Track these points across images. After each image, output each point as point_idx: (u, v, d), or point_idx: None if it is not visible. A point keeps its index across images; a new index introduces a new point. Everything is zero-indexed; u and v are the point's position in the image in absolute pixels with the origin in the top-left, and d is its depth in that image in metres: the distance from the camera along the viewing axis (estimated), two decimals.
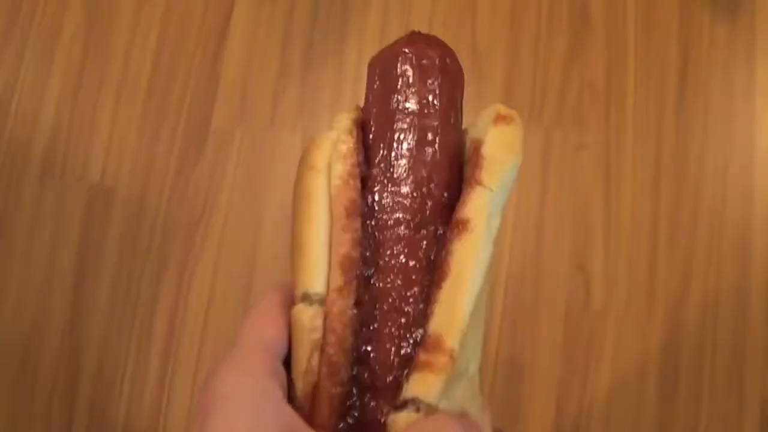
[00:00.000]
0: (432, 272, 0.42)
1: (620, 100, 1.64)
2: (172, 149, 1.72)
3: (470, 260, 0.42)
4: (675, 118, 1.62)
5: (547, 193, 1.60)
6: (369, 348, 0.42)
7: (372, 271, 0.43)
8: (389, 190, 0.44)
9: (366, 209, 0.44)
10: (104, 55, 1.79)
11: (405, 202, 0.44)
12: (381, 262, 0.43)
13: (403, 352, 0.42)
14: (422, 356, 0.41)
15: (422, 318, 0.42)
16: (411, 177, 0.44)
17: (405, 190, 0.44)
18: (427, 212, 0.44)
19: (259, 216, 1.66)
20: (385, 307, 0.42)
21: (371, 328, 0.42)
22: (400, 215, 0.44)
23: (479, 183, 0.43)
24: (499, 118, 0.46)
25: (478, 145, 0.45)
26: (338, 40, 1.75)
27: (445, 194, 0.44)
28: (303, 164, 0.45)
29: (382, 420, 0.41)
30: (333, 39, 1.75)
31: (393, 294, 0.42)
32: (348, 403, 0.42)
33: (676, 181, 1.59)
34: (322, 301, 0.42)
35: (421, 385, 0.40)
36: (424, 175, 0.44)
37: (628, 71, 1.66)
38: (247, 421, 0.39)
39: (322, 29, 1.76)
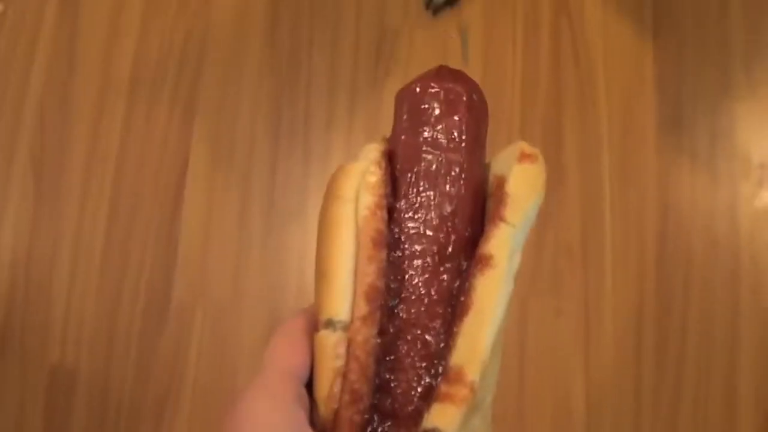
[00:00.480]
0: (454, 305, 0.43)
1: (597, 262, 1.57)
2: (133, 324, 1.65)
3: (492, 295, 0.43)
4: (655, 281, 1.56)
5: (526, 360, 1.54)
6: (391, 377, 0.43)
7: (396, 301, 0.44)
8: (415, 222, 0.45)
9: (392, 240, 0.44)
10: (55, 230, 1.69)
11: (430, 235, 0.45)
12: (405, 293, 0.44)
13: (424, 382, 0.43)
14: (443, 388, 0.42)
15: (444, 350, 0.43)
16: (436, 211, 0.45)
17: (431, 223, 0.45)
18: (451, 246, 0.44)
19: (228, 388, 1.60)
20: (408, 338, 0.43)
21: (394, 357, 0.43)
22: (426, 248, 0.44)
23: (503, 220, 0.44)
24: (524, 156, 0.47)
25: (501, 182, 0.46)
26: (300, 200, 1.66)
27: (469, 229, 0.45)
28: (330, 193, 0.45)
29: None
30: (294, 199, 1.66)
31: (416, 325, 0.43)
32: (369, 430, 0.43)
33: (657, 347, 1.53)
34: (346, 329, 0.42)
35: (441, 416, 0.41)
36: (449, 209, 0.45)
37: (605, 232, 1.58)
38: None
39: (282, 189, 1.67)
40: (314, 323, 0.44)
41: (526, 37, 1.69)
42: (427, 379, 0.43)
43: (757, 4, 1.67)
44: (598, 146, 1.61)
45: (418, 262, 0.44)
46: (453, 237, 0.45)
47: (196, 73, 1.73)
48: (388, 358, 0.43)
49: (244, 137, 1.70)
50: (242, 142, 1.69)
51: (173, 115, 1.72)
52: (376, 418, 0.43)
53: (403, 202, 0.46)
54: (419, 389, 0.43)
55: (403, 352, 0.43)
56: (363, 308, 0.43)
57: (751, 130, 1.61)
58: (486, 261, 0.43)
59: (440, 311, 0.44)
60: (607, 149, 1.61)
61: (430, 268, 0.44)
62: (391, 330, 0.44)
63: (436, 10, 1.71)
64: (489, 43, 1.69)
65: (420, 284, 0.44)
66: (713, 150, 1.60)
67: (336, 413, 0.42)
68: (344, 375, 0.42)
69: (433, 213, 0.45)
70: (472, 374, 0.42)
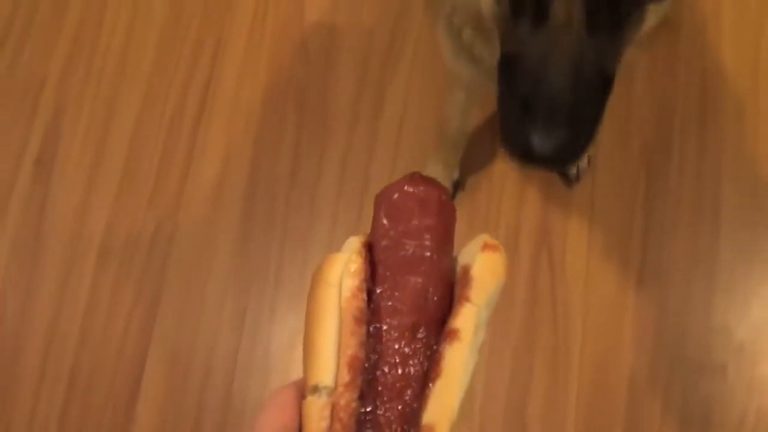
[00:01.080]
0: (426, 372, 0.50)
1: None
2: None
3: (459, 364, 0.49)
4: None
5: None
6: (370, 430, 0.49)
7: (375, 369, 0.50)
8: (392, 302, 0.51)
9: (371, 318, 0.51)
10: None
11: (405, 313, 0.51)
12: (382, 363, 0.50)
13: None
14: None
15: (417, 410, 0.49)
16: (410, 293, 0.52)
17: (405, 304, 0.51)
18: (423, 323, 0.51)
19: None
20: (385, 399, 0.49)
21: (372, 418, 0.49)
22: (400, 323, 0.51)
23: (468, 300, 0.51)
24: (486, 246, 0.54)
25: (467, 269, 0.52)
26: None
27: (438, 309, 0.52)
28: (317, 278, 0.52)
29: None
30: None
31: (392, 389, 0.49)
32: None
33: None
34: (330, 394, 0.48)
35: None
36: (421, 291, 0.52)
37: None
38: None
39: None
40: (302, 392, 0.50)
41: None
42: None
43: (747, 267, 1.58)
44: (565, 402, 1.55)
45: (394, 335, 0.50)
46: (424, 316, 0.51)
47: (161, 266, 1.68)
48: (367, 418, 0.49)
49: (206, 341, 1.65)
50: (203, 349, 1.65)
51: (139, 299, 1.68)
52: None
53: (380, 287, 0.52)
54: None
55: (381, 413, 0.49)
56: (346, 376, 0.49)
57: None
58: (454, 335, 0.50)
59: (413, 378, 0.50)
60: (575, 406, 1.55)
61: (404, 342, 0.50)
62: (370, 393, 0.49)
63: None
64: None
65: (396, 354, 0.50)
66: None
67: None
68: None
69: (407, 295, 0.52)
70: (442, 429, 0.48)
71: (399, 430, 0.49)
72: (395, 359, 0.50)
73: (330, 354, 0.50)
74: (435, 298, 0.52)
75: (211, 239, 1.68)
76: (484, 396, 1.57)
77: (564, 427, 1.56)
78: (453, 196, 1.65)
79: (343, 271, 0.52)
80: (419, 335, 0.51)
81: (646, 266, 1.61)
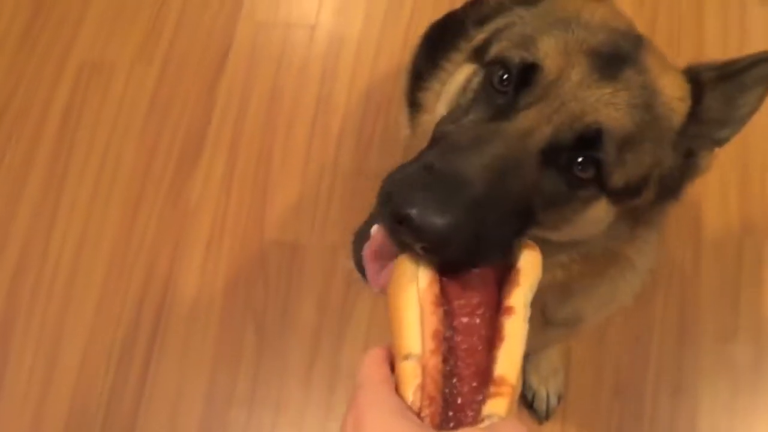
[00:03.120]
0: (490, 340, 0.64)
1: None
2: None
3: (517, 331, 0.64)
4: None
5: None
6: (454, 389, 0.63)
7: (452, 339, 0.64)
8: (459, 289, 0.67)
9: (443, 300, 0.66)
10: None
11: (470, 296, 0.67)
12: (457, 334, 0.65)
13: (476, 387, 0.63)
14: (492, 389, 0.61)
15: (489, 367, 0.63)
16: (473, 280, 0.68)
17: (469, 289, 0.67)
18: (484, 302, 0.66)
19: None
20: (463, 359, 0.64)
21: (456, 372, 0.63)
22: (467, 303, 0.66)
23: (518, 284, 0.67)
24: (527, 246, 0.71)
25: (514, 263, 0.69)
26: None
27: (494, 292, 0.68)
28: (397, 273, 0.67)
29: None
30: None
31: (467, 352, 0.64)
32: (442, 423, 0.61)
33: None
34: (419, 359, 0.62)
35: (495, 406, 0.60)
36: (481, 277, 0.68)
37: None
38: None
39: None
40: (391, 357, 0.64)
41: None
42: (480, 386, 0.62)
43: None
44: None
45: (464, 311, 0.66)
46: (485, 297, 0.67)
47: None
48: (452, 374, 0.63)
49: None
50: None
51: None
52: (448, 414, 0.61)
53: (450, 281, 0.68)
54: (475, 392, 0.62)
55: (461, 369, 0.63)
56: (431, 344, 0.63)
57: None
58: (510, 310, 0.65)
59: (482, 343, 0.64)
60: None
61: (472, 316, 0.66)
62: (451, 356, 0.63)
63: None
64: None
65: (467, 326, 0.65)
66: None
67: (417, 415, 0.60)
68: (422, 388, 0.61)
69: (470, 282, 0.68)
70: (513, 379, 0.62)
71: (476, 381, 0.63)
72: (467, 329, 0.65)
73: (416, 330, 0.64)
74: (491, 283, 0.68)
75: None
76: None
77: None
78: None
79: (420, 267, 0.67)
80: (482, 311, 0.66)
81: None
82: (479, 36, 0.88)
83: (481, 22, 0.91)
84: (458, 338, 0.65)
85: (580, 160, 0.75)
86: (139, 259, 1.75)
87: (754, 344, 1.67)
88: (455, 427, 0.61)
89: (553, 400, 1.59)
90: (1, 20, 1.97)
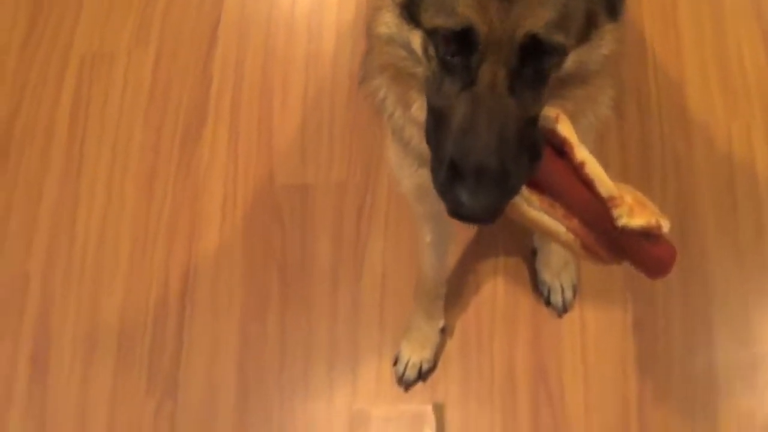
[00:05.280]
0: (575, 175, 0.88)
1: None
2: None
3: (597, 169, 0.87)
4: None
5: None
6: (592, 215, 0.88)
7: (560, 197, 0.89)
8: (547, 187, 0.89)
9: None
10: None
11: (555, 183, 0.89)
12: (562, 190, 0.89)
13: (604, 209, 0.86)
14: (610, 203, 0.86)
15: (591, 189, 0.87)
16: (551, 175, 0.89)
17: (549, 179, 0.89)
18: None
19: None
20: (572, 198, 0.89)
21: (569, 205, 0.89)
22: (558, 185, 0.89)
23: (571, 145, 0.87)
24: (554, 118, 0.89)
25: (556, 136, 0.89)
26: None
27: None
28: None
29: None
30: None
31: (569, 192, 0.88)
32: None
33: None
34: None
35: (624, 215, 0.85)
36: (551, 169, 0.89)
37: None
38: None
39: None
40: None
41: (503, 412, 1.62)
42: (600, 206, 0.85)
43: None
44: None
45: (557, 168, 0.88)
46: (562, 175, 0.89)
47: None
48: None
49: None
50: None
51: None
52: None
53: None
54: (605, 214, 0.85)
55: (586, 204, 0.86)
56: (566, 219, 0.90)
57: None
58: (581, 165, 0.86)
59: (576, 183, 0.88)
60: None
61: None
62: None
63: (407, 386, 1.64)
64: (465, 420, 1.62)
65: (555, 177, 0.89)
66: None
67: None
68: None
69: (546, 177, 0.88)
70: (616, 192, 0.85)
71: (590, 208, 0.86)
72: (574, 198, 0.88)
73: (551, 222, 0.90)
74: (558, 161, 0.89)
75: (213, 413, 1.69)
76: None
77: None
78: (441, 344, 1.66)
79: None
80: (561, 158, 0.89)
81: (645, 392, 1.61)
82: None
83: None
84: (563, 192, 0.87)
85: (540, 63, 0.86)
86: (160, 228, 1.85)
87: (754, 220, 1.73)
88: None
89: (568, 293, 1.66)
90: (4, 24, 2.08)
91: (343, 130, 1.85)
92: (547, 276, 1.65)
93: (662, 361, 1.64)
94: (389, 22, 0.96)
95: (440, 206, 1.36)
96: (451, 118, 0.87)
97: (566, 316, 1.67)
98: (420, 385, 1.66)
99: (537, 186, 0.89)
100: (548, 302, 1.67)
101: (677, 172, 1.78)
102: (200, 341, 1.74)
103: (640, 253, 0.89)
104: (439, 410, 1.63)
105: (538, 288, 1.68)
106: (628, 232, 0.86)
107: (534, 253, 1.69)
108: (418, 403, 1.64)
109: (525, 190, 0.88)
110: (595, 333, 1.67)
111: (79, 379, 1.75)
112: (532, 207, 0.89)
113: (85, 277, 1.82)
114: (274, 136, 1.88)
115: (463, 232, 1.74)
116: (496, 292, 1.71)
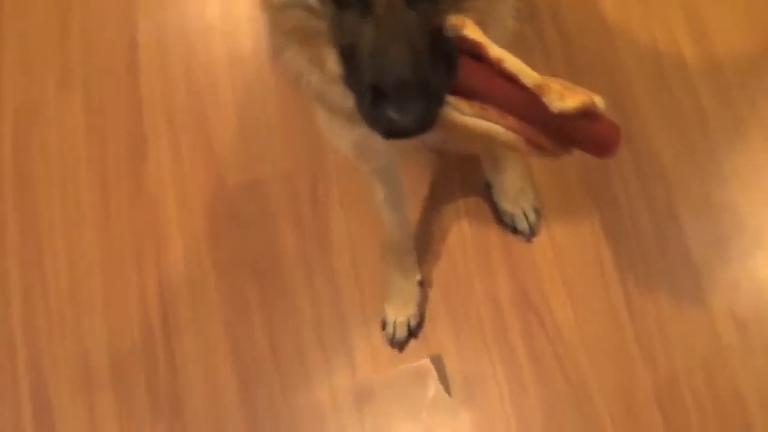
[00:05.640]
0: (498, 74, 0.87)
1: None
2: None
3: (515, 62, 0.87)
4: None
5: None
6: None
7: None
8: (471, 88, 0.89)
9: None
10: None
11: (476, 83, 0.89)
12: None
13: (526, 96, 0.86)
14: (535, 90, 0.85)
15: (516, 83, 0.86)
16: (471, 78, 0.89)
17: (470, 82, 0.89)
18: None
19: None
20: (499, 92, 0.88)
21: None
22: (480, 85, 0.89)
23: (482, 45, 0.87)
24: (459, 24, 0.89)
25: (466, 40, 0.89)
26: None
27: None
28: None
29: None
30: None
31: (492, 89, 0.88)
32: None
33: None
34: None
35: (549, 97, 0.84)
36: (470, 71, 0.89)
37: None
38: None
39: None
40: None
41: (499, 346, 1.64)
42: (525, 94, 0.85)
43: None
44: None
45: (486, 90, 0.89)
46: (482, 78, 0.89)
47: None
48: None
49: None
50: None
51: None
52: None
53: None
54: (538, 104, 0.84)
55: (517, 99, 0.87)
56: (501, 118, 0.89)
57: None
58: (498, 60, 0.87)
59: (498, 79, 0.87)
60: None
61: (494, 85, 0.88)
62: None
63: (401, 346, 1.65)
64: (464, 363, 1.63)
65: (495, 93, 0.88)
66: None
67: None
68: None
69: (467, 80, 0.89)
70: (534, 81, 0.85)
71: (521, 102, 0.86)
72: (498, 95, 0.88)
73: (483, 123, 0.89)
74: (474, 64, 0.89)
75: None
76: None
77: None
78: (424, 298, 1.68)
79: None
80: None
81: (630, 293, 1.63)
82: None
83: None
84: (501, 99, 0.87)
85: None
86: (125, 257, 1.84)
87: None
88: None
89: (532, 216, 1.67)
90: None
91: (278, 121, 1.86)
92: (507, 205, 1.67)
93: (638, 258, 1.66)
94: None
95: (386, 160, 1.39)
96: (361, 50, 0.89)
97: (536, 240, 1.69)
98: (413, 342, 1.67)
99: (464, 93, 0.88)
100: (515, 230, 1.69)
101: (611, 77, 1.79)
102: (192, 357, 1.74)
103: (583, 134, 0.88)
104: (437, 361, 1.64)
105: (502, 220, 1.69)
106: (566, 117, 0.85)
107: (489, 186, 1.70)
108: (416, 360, 1.66)
109: (453, 99, 0.88)
110: (567, 248, 1.68)
111: (85, 422, 1.75)
112: (466, 115, 0.89)
113: (65, 320, 1.82)
114: (215, 141, 1.88)
115: (419, 187, 1.75)
116: (464, 234, 1.72)
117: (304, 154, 1.82)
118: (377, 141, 0.96)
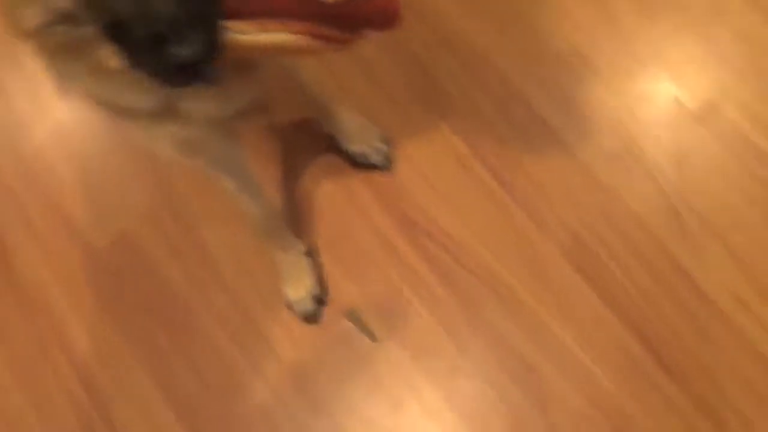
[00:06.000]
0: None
1: None
2: None
3: None
4: None
5: None
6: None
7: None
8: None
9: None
10: None
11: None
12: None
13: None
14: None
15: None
16: None
17: None
18: None
19: None
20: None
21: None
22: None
23: None
24: None
25: None
26: None
27: None
28: None
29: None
30: None
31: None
32: None
33: None
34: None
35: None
36: None
37: None
38: None
39: None
40: None
41: (402, 275, 1.64)
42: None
43: None
44: None
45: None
46: None
47: None
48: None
49: None
50: None
51: None
52: None
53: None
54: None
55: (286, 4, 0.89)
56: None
57: None
58: None
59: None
60: None
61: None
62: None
63: (315, 318, 1.65)
64: (378, 305, 1.63)
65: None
66: None
67: None
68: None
69: None
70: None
71: (291, 4, 0.88)
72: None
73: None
74: None
75: None
76: None
77: None
78: (317, 266, 1.68)
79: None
80: None
81: (495, 168, 1.68)
82: None
83: None
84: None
85: None
86: (35, 362, 1.80)
87: None
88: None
89: (383, 147, 1.69)
90: None
91: (119, 167, 1.85)
92: (355, 147, 1.69)
93: (495, 140, 1.69)
94: (31, 9, 0.94)
95: (217, 149, 1.37)
96: (125, 15, 0.87)
97: (395, 167, 1.71)
98: (326, 308, 1.67)
99: (238, 16, 0.90)
100: (374, 166, 1.70)
101: None
102: (132, 419, 1.71)
103: (365, 12, 0.92)
104: (353, 314, 1.64)
105: (357, 162, 1.71)
106: (340, 4, 0.88)
107: (332, 137, 1.71)
108: (335, 323, 1.65)
109: (232, 24, 0.89)
110: (426, 161, 1.71)
111: None
112: (249, 35, 0.90)
113: None
114: (70, 215, 1.85)
115: (270, 165, 1.76)
116: (328, 191, 1.73)
117: (154, 187, 1.81)
118: (197, 128, 1.00)
